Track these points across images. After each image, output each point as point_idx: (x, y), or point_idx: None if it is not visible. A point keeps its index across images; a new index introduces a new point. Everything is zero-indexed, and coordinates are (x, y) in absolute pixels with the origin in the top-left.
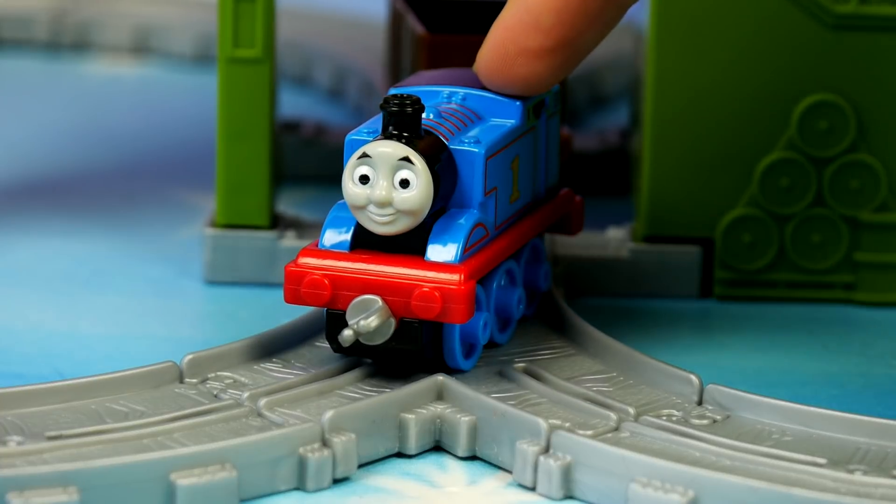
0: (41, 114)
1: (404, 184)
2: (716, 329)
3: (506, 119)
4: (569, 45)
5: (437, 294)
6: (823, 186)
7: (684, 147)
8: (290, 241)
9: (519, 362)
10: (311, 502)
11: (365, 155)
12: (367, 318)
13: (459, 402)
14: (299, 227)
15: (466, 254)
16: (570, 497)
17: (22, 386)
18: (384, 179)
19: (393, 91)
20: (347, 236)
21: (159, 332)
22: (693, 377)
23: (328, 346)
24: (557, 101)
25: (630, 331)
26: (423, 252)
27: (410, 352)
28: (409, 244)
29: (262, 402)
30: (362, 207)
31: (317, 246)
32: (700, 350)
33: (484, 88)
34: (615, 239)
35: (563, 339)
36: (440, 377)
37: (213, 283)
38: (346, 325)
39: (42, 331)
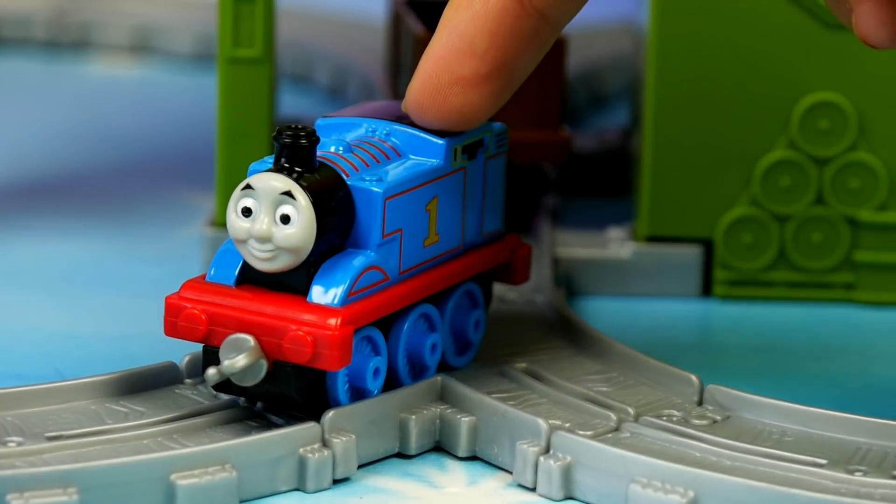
0: (41, 114)
1: (285, 219)
2: (716, 329)
3: (428, 158)
4: (504, 69)
5: (308, 338)
6: (823, 186)
7: (684, 147)
8: None
9: (519, 362)
10: (311, 503)
11: (249, 186)
12: (234, 358)
13: (459, 402)
14: None
15: (352, 297)
16: (571, 497)
17: (22, 386)
18: (265, 214)
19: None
20: (234, 271)
21: (159, 332)
22: (693, 377)
23: None
24: (502, 142)
25: (630, 331)
26: (307, 292)
27: (284, 396)
28: (295, 283)
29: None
30: (243, 241)
31: (203, 279)
32: (700, 350)
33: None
34: (615, 239)
35: (563, 339)
36: (440, 377)
37: None
38: (217, 362)
39: (42, 331)
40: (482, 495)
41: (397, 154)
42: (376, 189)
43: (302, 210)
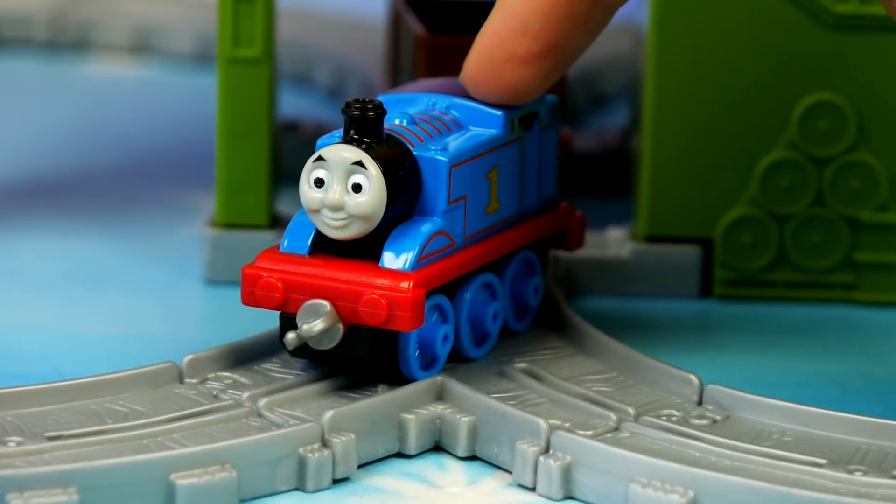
0: (41, 114)
1: (357, 188)
2: (716, 329)
3: (487, 129)
4: (557, 49)
5: (383, 301)
6: (823, 186)
7: (684, 147)
8: None
9: (519, 362)
10: (311, 503)
11: (320, 158)
12: (312, 323)
13: (459, 402)
14: None
15: (422, 262)
16: (570, 497)
17: (22, 386)
18: (337, 183)
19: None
20: (307, 240)
21: (159, 332)
22: (693, 377)
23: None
24: (555, 114)
25: (630, 331)
26: (378, 258)
27: (359, 358)
28: (367, 250)
29: (262, 402)
30: (317, 211)
31: (277, 250)
32: (700, 350)
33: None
34: (615, 239)
35: (563, 339)
36: (440, 377)
37: (213, 283)
38: (295, 328)
39: (42, 331)
40: (482, 495)
41: (458, 126)
42: (441, 158)
43: (373, 179)
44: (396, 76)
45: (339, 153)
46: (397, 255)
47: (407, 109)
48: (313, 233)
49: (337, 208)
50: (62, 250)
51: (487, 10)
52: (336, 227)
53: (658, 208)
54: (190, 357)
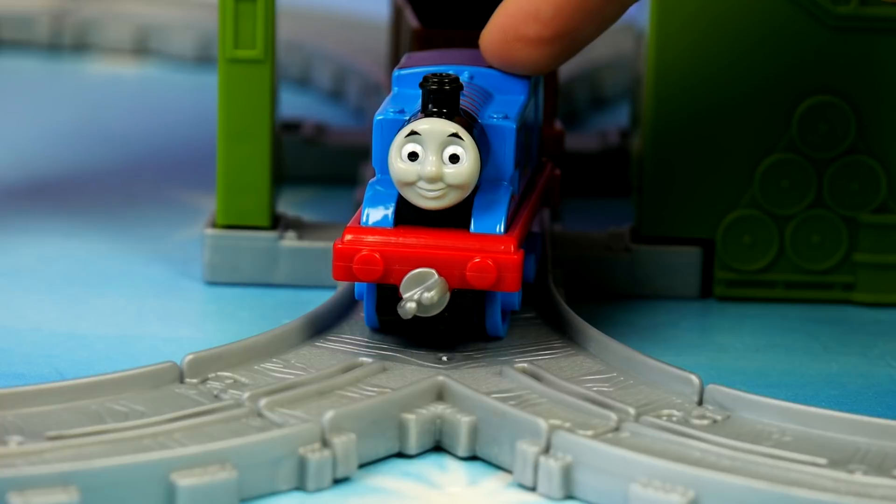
0: (41, 114)
1: (454, 159)
2: (716, 329)
3: (514, 95)
4: (566, 36)
5: (491, 263)
6: (823, 187)
7: (684, 147)
8: (290, 241)
9: (519, 362)
10: (311, 502)
11: (413, 132)
12: (429, 291)
13: (459, 402)
14: (300, 227)
15: (507, 224)
16: (571, 497)
17: (22, 386)
18: (434, 155)
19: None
20: (389, 212)
21: (159, 332)
22: (693, 377)
23: (328, 346)
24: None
25: (630, 331)
26: (465, 225)
27: (462, 322)
28: (453, 218)
29: (263, 402)
30: (411, 184)
31: (359, 224)
32: (700, 350)
33: (484, 67)
34: (615, 239)
35: (563, 339)
36: (440, 377)
37: (213, 283)
38: (399, 299)
39: (42, 331)
40: (482, 495)
41: (488, 94)
42: (510, 125)
43: (468, 148)
44: None
45: (434, 126)
46: (489, 220)
47: None
48: (394, 206)
49: (436, 179)
50: (62, 250)
51: (486, 5)
52: (432, 198)
53: (658, 208)
54: (190, 357)
